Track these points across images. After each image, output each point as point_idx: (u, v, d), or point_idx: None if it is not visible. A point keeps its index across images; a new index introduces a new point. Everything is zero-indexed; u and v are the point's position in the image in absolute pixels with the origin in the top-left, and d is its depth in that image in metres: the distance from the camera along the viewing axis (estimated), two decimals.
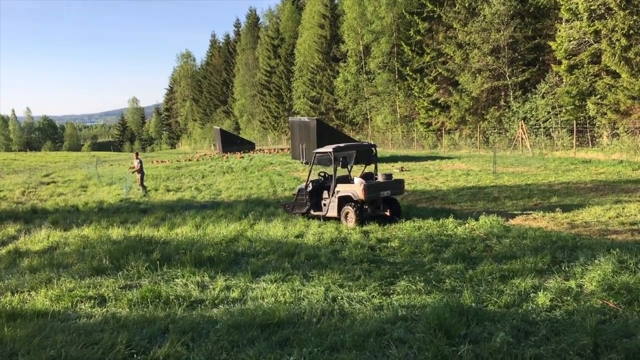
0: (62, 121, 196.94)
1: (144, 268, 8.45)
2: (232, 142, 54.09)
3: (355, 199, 12.88)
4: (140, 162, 22.97)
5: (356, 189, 12.92)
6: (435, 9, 40.57)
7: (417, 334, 5.48)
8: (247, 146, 54.41)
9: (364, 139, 49.54)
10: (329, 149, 13.82)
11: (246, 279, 7.96)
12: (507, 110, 36.03)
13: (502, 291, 7.05)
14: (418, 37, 42.91)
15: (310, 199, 14.12)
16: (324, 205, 13.80)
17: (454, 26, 38.29)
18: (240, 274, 8.26)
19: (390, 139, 47.03)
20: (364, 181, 13.09)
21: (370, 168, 14.71)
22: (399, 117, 47.78)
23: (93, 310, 6.67)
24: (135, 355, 5.11)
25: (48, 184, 30.44)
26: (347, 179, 13.95)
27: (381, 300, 6.81)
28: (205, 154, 54.32)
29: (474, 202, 15.61)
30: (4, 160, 63.85)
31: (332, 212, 13.45)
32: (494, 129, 36.53)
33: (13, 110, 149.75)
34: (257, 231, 12.30)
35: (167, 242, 10.78)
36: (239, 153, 48.07)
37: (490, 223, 11.70)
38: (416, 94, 43.38)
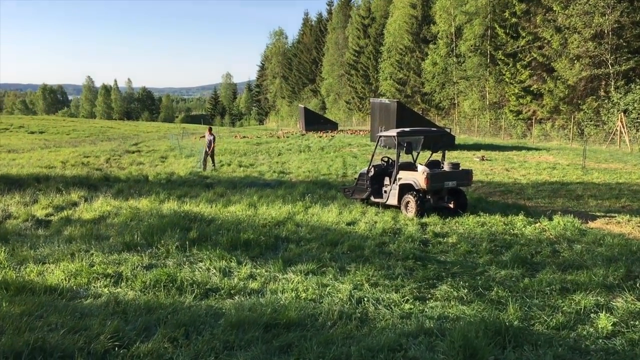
0: (162, 93, 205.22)
1: (174, 247, 8.10)
2: (316, 121, 53.82)
3: (416, 187, 12.01)
4: (213, 137, 22.63)
5: (418, 177, 12.04)
6: None
7: (437, 354, 4.70)
8: (330, 126, 53.97)
9: (449, 124, 47.70)
10: (393, 132, 12.98)
11: (276, 267, 7.40)
12: (606, 101, 33.25)
13: (557, 307, 6.09)
14: (514, 20, 40.55)
15: (371, 185, 13.35)
16: (385, 192, 13.01)
17: (554, 8, 35.71)
18: (271, 261, 7.71)
19: (477, 126, 44.99)
20: (427, 169, 12.15)
21: (438, 156, 13.75)
22: (487, 103, 45.59)
23: (105, 289, 6.34)
24: (116, 348, 4.67)
25: (133, 152, 31.35)
26: (410, 166, 13.05)
27: (412, 307, 6.04)
28: (288, 132, 54.47)
29: (553, 199, 14.27)
30: (101, 128, 67.05)
31: (393, 200, 12.65)
32: (590, 121, 33.87)
33: (115, 81, 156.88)
34: (310, 215, 11.73)
35: (212, 220, 10.43)
36: (322, 132, 47.73)
37: (564, 224, 10.51)
38: (507, 79, 41.12)
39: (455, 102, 50.30)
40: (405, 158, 13.65)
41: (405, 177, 12.40)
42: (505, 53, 41.12)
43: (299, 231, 9.95)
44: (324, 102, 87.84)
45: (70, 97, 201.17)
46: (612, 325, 5.52)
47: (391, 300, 6.19)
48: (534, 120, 38.52)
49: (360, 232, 10.09)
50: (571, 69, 33.99)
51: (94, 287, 6.42)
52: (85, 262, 7.20)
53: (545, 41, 37.20)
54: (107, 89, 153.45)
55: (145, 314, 5.45)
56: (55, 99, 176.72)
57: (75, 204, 12.94)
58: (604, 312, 5.88)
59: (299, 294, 6.30)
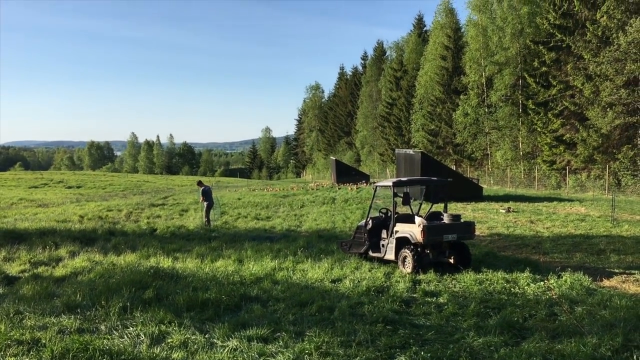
0: (206, 148, 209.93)
1: (116, 309, 7.40)
2: (347, 173, 53.31)
3: (413, 241, 11.14)
4: (206, 190, 21.24)
5: (415, 229, 11.17)
6: (564, 38, 37.27)
7: None
8: (362, 178, 53.28)
9: (482, 175, 46.41)
10: (389, 182, 12.23)
11: (220, 332, 6.62)
12: None
13: None
14: (543, 69, 39.61)
15: (369, 238, 12.54)
16: (382, 246, 12.15)
17: (584, 56, 34.76)
18: (219, 325, 6.93)
19: (510, 176, 43.53)
20: (424, 221, 11.29)
21: (441, 207, 12.88)
22: (520, 153, 44.26)
23: (11, 359, 5.66)
24: None
25: (157, 206, 31.09)
26: (409, 218, 12.18)
27: None
28: (319, 184, 54.04)
29: (572, 253, 13.13)
30: (137, 182, 68.03)
31: (390, 254, 11.78)
32: (627, 170, 32.23)
33: (158, 136, 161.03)
34: (297, 271, 10.96)
35: (184, 277, 9.75)
36: (353, 184, 47.05)
37: (571, 283, 9.44)
38: (539, 129, 39.90)
39: (488, 152, 49.11)
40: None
41: (402, 229, 11.57)
42: (536, 102, 40.06)
43: (274, 289, 9.17)
44: (358, 155, 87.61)
45: (118, 153, 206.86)
46: None
47: None
48: (567, 171, 37.00)
49: (342, 291, 9.24)
50: (604, 117, 32.69)
51: (1, 356, 5.76)
52: (6, 326, 6.56)
53: (577, 89, 36.11)
54: (149, 145, 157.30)
55: None
56: (102, 155, 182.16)
57: (59, 260, 12.50)
58: None
59: None
